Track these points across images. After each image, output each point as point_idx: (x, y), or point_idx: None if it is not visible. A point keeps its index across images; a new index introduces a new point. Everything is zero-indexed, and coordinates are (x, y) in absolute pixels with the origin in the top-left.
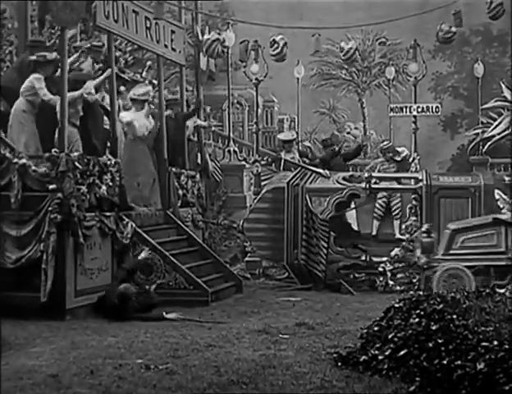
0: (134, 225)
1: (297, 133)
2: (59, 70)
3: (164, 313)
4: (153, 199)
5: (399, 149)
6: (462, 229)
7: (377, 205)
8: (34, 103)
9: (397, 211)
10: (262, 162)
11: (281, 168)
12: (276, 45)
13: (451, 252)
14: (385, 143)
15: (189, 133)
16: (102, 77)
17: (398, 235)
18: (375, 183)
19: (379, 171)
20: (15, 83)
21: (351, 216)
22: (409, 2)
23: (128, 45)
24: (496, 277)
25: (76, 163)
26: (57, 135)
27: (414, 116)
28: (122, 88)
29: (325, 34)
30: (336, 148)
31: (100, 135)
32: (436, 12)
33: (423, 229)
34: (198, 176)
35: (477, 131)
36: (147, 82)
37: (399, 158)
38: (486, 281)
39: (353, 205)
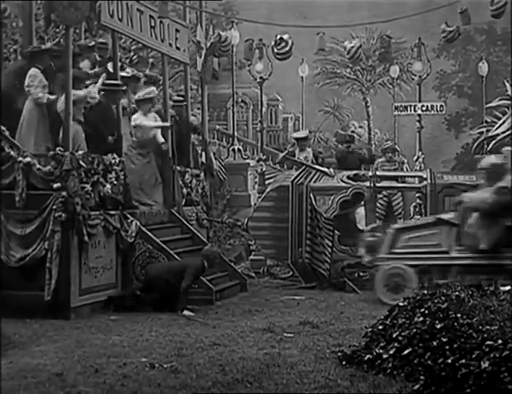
0: (138, 223)
1: (310, 131)
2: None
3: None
4: (153, 197)
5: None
6: (405, 228)
7: (378, 205)
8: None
9: (399, 210)
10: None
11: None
12: (283, 44)
13: (394, 251)
14: (386, 143)
15: None
16: (100, 80)
17: None
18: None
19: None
20: (14, 89)
21: (359, 214)
22: (412, 0)
23: (132, 43)
24: (438, 276)
25: (81, 162)
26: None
27: (419, 115)
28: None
29: (329, 33)
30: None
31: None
32: (441, 11)
33: (368, 228)
34: (202, 174)
35: (481, 130)
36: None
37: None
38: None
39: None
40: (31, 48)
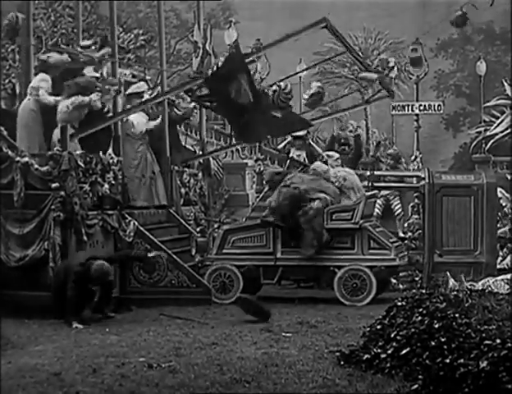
0: (136, 223)
1: (309, 132)
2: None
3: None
4: (143, 196)
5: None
6: (233, 229)
7: (377, 205)
8: (41, 103)
9: (398, 211)
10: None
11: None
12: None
13: (223, 252)
14: (389, 150)
15: None
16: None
17: (401, 234)
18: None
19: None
20: None
21: None
22: (409, 1)
23: (130, 43)
24: (265, 277)
25: (79, 162)
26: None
27: (416, 115)
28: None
29: (328, 33)
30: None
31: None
32: (439, 11)
33: (198, 229)
34: (200, 174)
35: (479, 129)
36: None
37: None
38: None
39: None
40: (47, 57)
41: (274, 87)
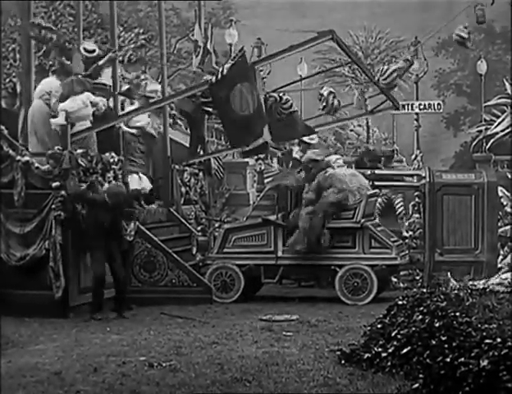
0: (137, 222)
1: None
2: None
3: None
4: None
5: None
6: (234, 228)
7: (378, 203)
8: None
9: (401, 209)
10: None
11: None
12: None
13: (224, 251)
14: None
15: None
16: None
17: (405, 234)
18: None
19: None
20: None
21: None
22: (411, 0)
23: (130, 43)
24: (265, 276)
25: (79, 161)
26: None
27: (416, 114)
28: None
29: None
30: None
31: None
32: (439, 10)
33: (198, 228)
34: (201, 173)
35: (480, 128)
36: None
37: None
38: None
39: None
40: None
41: (272, 98)
